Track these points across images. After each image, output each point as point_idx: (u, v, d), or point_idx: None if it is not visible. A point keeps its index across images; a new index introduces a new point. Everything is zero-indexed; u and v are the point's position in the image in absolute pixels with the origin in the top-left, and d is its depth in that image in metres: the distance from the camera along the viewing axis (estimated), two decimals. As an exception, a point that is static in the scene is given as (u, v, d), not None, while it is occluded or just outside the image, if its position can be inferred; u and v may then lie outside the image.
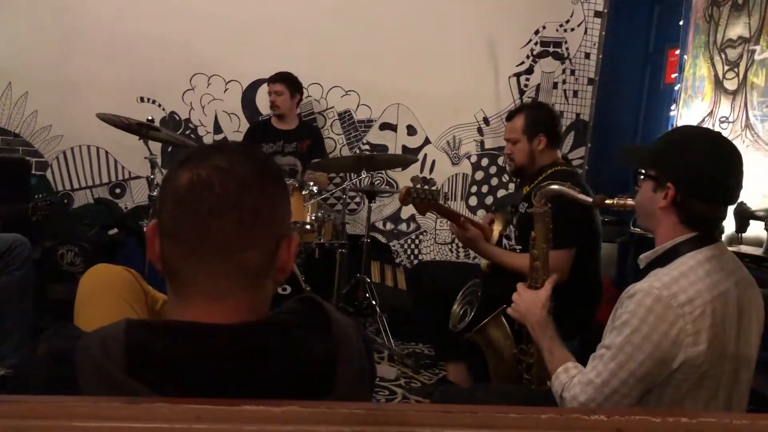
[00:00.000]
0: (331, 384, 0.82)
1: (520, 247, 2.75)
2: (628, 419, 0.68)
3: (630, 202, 1.67)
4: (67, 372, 0.75)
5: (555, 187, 1.93)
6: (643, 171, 1.54)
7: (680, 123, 3.88)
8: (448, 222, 2.93)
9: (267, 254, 0.84)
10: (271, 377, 0.79)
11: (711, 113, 3.64)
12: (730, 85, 3.49)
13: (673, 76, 4.25)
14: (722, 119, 3.53)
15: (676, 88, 4.05)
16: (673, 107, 4.07)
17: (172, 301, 0.85)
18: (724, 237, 3.19)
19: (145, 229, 2.96)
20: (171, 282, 0.84)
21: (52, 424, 0.59)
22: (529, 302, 1.81)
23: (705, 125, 3.63)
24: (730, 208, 1.62)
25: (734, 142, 3.37)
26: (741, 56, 3.41)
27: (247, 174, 0.83)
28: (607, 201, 1.77)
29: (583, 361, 1.56)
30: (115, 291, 1.29)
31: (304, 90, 4.10)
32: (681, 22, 4.04)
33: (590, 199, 1.83)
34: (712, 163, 1.45)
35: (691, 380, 1.37)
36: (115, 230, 3.78)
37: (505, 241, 2.88)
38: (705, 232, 1.47)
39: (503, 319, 2.11)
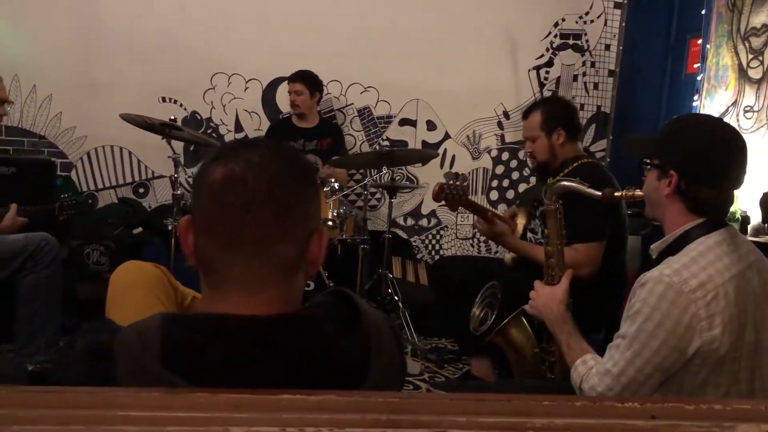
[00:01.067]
0: (363, 376, 0.83)
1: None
2: (662, 407, 0.69)
3: (639, 193, 1.68)
4: (105, 365, 0.77)
5: (564, 183, 1.93)
6: (648, 160, 1.54)
7: (704, 113, 3.84)
8: (474, 217, 2.93)
9: (299, 247, 0.85)
10: (304, 368, 0.80)
11: (735, 102, 3.60)
12: (755, 73, 3.45)
13: (695, 66, 4.20)
14: (747, 108, 3.49)
15: (699, 78, 4.01)
16: (695, 97, 4.03)
17: (207, 294, 0.86)
18: (749, 227, 3.15)
19: (170, 227, 3.00)
20: (206, 275, 0.86)
21: (96, 413, 0.60)
22: (546, 298, 1.81)
23: (729, 115, 3.59)
24: (747, 196, 1.61)
25: (759, 131, 3.35)
26: (765, 44, 3.37)
27: (278, 169, 0.84)
28: (616, 194, 1.78)
29: (609, 353, 1.57)
30: (146, 287, 1.32)
31: (324, 87, 4.11)
32: (703, 12, 3.99)
33: (599, 194, 1.83)
34: (712, 148, 1.46)
35: (709, 366, 1.37)
36: (140, 229, 3.83)
37: (530, 234, 2.87)
38: (713, 218, 1.46)
39: (523, 319, 2.10)
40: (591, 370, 1.51)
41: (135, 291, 1.32)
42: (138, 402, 0.62)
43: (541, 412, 0.66)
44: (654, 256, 1.53)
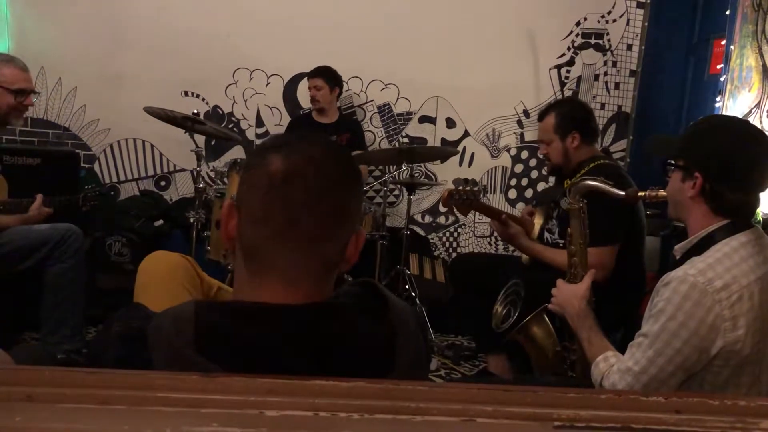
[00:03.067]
0: (390, 365, 0.85)
1: (563, 242, 2.74)
2: (686, 401, 0.69)
3: (663, 193, 1.67)
4: (140, 350, 0.79)
5: (588, 182, 1.93)
6: (672, 161, 1.54)
7: (728, 114, 3.80)
8: (490, 219, 2.93)
9: (342, 246, 0.88)
10: (334, 356, 0.82)
11: (759, 104, 3.56)
12: (779, 75, 3.41)
13: (718, 66, 4.16)
14: (770, 110, 3.46)
15: (722, 78, 3.97)
16: (718, 98, 3.99)
17: (245, 279, 0.88)
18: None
19: (192, 220, 3.01)
20: (248, 261, 0.87)
21: (135, 394, 0.62)
22: (568, 294, 1.81)
23: (752, 116, 3.56)
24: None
25: (784, 133, 3.31)
26: (791, 46, 3.33)
27: (336, 167, 0.86)
28: (640, 194, 1.77)
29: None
30: (173, 276, 1.34)
31: (344, 83, 4.13)
32: (727, 12, 3.95)
33: (623, 193, 1.83)
34: (738, 150, 1.45)
35: (731, 366, 1.37)
36: (161, 222, 3.87)
37: (547, 234, 2.87)
38: (738, 219, 1.46)
39: (545, 317, 2.11)
40: (612, 367, 1.52)
41: (163, 280, 1.34)
42: (175, 385, 0.64)
43: (567, 403, 0.67)
44: (678, 257, 1.53)
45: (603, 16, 4.47)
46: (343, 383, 0.65)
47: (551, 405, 0.67)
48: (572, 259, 1.99)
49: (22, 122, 3.25)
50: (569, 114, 2.76)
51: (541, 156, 2.93)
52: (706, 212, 1.47)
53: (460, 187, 2.62)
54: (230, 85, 4.20)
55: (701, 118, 1.68)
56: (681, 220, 1.57)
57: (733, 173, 1.44)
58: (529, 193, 4.55)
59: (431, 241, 4.50)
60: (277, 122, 4.28)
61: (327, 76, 3.98)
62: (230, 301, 0.90)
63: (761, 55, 3.56)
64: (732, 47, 3.85)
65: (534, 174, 4.54)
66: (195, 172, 3.23)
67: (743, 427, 0.67)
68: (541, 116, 2.83)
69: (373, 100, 4.37)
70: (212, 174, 4.06)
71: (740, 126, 1.55)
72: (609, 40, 4.50)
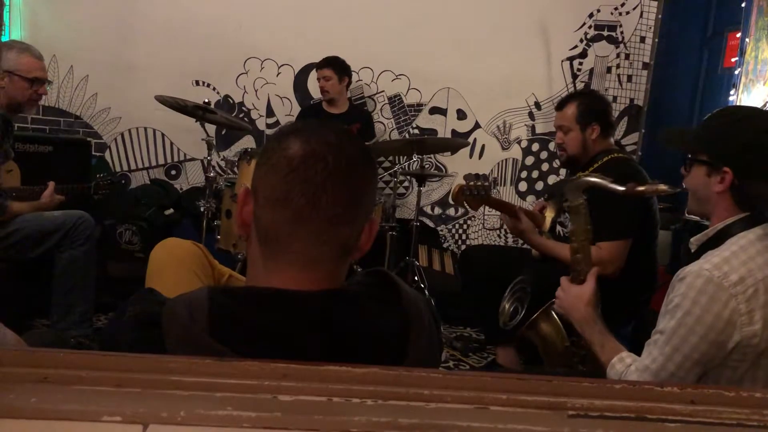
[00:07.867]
0: (403, 353, 0.85)
1: (575, 235, 2.72)
2: (702, 392, 0.69)
3: (662, 187, 1.63)
4: (154, 334, 0.79)
5: (586, 179, 1.90)
6: (694, 156, 1.51)
7: (746, 105, 3.76)
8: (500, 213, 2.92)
9: (357, 232, 0.88)
10: (347, 344, 0.82)
11: (773, 98, 3.53)
12: (795, 68, 3.38)
13: (733, 59, 4.12)
14: (785, 104, 3.42)
15: (737, 72, 3.93)
16: (732, 92, 3.96)
17: (259, 264, 0.88)
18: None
19: (202, 209, 3.02)
20: (265, 245, 0.87)
21: (150, 378, 0.62)
22: (574, 298, 1.77)
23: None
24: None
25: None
26: (807, 39, 3.29)
27: (355, 154, 0.87)
28: (639, 188, 1.73)
29: (637, 345, 1.56)
30: (184, 263, 1.34)
31: (354, 73, 4.12)
32: (743, 4, 3.91)
33: (622, 188, 1.79)
34: (766, 142, 1.42)
35: (748, 360, 1.36)
36: (171, 210, 3.88)
37: (559, 227, 2.86)
38: (756, 212, 1.44)
39: (553, 312, 2.09)
40: (629, 367, 1.50)
41: (174, 267, 1.34)
42: (190, 369, 0.65)
43: (581, 393, 0.67)
44: (693, 250, 1.52)
45: (616, 8, 4.43)
46: (357, 369, 0.65)
47: (565, 394, 0.67)
48: (575, 256, 1.96)
49: (35, 110, 3.27)
50: (591, 105, 2.74)
51: (555, 144, 2.90)
52: (730, 206, 1.45)
53: (471, 183, 2.62)
54: (241, 74, 4.20)
55: (719, 110, 1.63)
56: (704, 215, 1.54)
57: (764, 166, 1.42)
58: (539, 185, 4.53)
59: (441, 232, 4.49)
60: (288, 112, 4.28)
61: (335, 66, 3.97)
62: (245, 287, 0.90)
63: (777, 48, 3.53)
64: (747, 40, 3.81)
65: (545, 166, 4.52)
66: (205, 162, 3.24)
67: (759, 419, 0.66)
68: (561, 105, 2.80)
69: (383, 91, 4.36)
70: (223, 163, 4.07)
71: (763, 116, 1.51)
72: (622, 32, 4.46)
